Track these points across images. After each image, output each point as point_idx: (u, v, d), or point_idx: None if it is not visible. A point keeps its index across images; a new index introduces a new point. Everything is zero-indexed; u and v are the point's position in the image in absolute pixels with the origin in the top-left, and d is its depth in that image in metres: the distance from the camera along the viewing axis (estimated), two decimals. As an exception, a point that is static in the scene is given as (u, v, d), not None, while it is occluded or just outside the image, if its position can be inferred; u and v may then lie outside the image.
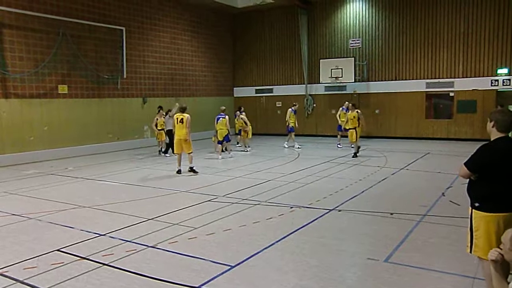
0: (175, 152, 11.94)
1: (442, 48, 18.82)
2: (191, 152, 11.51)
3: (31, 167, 13.11)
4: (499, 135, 3.75)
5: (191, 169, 11.46)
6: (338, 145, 16.76)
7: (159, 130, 15.40)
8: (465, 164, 3.80)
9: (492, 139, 3.79)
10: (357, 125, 14.07)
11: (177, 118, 11.47)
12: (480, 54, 18.12)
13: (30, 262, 5.16)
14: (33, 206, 8.14)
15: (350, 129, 14.21)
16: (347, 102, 16.30)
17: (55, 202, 8.39)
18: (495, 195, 3.66)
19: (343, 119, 15.63)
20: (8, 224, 6.96)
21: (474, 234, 3.76)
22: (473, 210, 3.77)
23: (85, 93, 16.28)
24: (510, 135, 3.80)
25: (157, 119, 15.40)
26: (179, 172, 11.37)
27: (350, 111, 14.51)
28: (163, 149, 15.58)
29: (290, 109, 17.20)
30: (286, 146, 17.23)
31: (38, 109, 14.63)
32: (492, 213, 3.64)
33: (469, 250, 3.84)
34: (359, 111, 14.33)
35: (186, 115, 11.41)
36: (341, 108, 16.98)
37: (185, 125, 11.24)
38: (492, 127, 3.78)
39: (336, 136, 17.61)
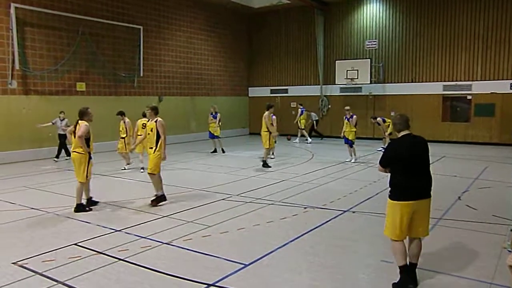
0: None
1: (460, 51, 18.55)
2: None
3: (49, 163, 13.37)
4: (401, 133, 4.47)
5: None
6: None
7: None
8: (379, 160, 4.51)
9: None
10: (265, 129, 12.00)
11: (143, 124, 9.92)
12: (499, 56, 17.81)
13: (48, 255, 5.29)
14: (51, 201, 8.32)
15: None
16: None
17: (72, 197, 8.50)
18: (399, 185, 4.32)
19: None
20: (27, 217, 7.13)
21: (386, 218, 4.46)
22: (388, 197, 4.46)
23: (102, 90, 16.53)
24: None
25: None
26: None
27: None
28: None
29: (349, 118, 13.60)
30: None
31: (56, 105, 14.89)
32: (397, 201, 4.33)
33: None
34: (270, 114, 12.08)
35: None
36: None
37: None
38: (397, 131, 4.56)
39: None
